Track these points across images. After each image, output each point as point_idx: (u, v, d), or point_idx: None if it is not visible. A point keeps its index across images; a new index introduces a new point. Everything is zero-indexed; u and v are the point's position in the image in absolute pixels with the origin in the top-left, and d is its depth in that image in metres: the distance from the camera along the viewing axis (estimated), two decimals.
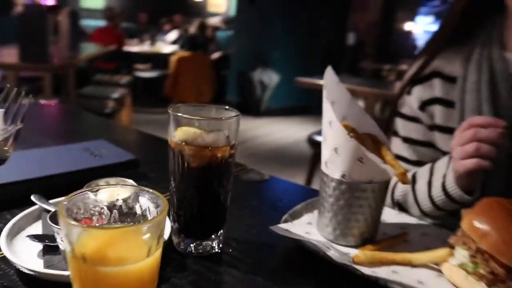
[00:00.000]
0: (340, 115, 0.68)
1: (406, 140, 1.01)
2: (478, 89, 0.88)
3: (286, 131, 5.76)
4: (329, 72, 0.71)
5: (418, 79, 0.99)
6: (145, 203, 0.51)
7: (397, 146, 1.03)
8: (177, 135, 0.60)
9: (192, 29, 6.81)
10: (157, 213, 0.48)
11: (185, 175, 0.60)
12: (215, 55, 7.10)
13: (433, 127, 0.97)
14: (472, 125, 0.75)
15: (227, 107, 0.64)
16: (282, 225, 0.71)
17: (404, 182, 0.66)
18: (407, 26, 8.44)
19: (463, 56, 0.93)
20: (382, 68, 6.16)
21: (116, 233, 0.45)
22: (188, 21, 7.56)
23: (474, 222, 0.58)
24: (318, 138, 2.97)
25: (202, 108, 0.65)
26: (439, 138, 0.96)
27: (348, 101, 0.73)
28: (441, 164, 0.88)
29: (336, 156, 0.65)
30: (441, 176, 0.85)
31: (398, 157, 1.01)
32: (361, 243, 0.68)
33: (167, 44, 7.41)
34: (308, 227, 0.73)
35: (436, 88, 0.95)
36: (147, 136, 1.36)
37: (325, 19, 7.00)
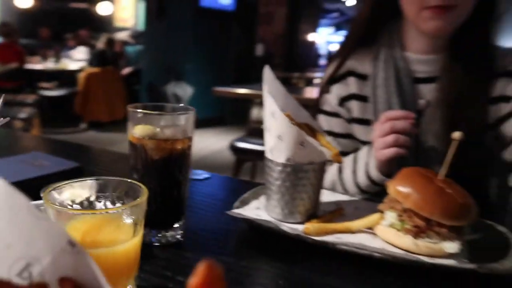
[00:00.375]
0: (279, 106, 0.76)
1: (329, 133, 1.13)
2: (387, 85, 1.02)
3: (204, 142, 5.79)
4: (267, 70, 0.80)
5: (335, 78, 1.11)
6: (117, 193, 0.55)
7: None
8: (137, 131, 0.65)
9: (100, 44, 6.58)
10: (134, 197, 0.52)
11: (149, 167, 0.65)
12: (126, 70, 6.94)
13: (351, 120, 1.10)
14: (389, 118, 0.88)
15: (182, 105, 0.70)
16: (235, 211, 0.77)
17: (338, 162, 0.77)
18: (310, 37, 9.00)
19: (371, 56, 1.07)
20: (292, 76, 6.49)
21: (104, 217, 0.49)
22: (94, 37, 7.29)
23: (398, 187, 0.70)
24: (240, 144, 3.08)
25: (157, 107, 0.70)
26: (357, 130, 1.10)
27: (284, 95, 0.82)
28: (362, 154, 1.01)
29: (281, 143, 0.74)
30: (364, 164, 0.98)
31: None
32: (306, 219, 0.77)
33: (73, 60, 7.07)
34: (258, 211, 0.80)
35: (351, 85, 1.09)
36: (72, 146, 1.34)
37: (233, 31, 7.19)
